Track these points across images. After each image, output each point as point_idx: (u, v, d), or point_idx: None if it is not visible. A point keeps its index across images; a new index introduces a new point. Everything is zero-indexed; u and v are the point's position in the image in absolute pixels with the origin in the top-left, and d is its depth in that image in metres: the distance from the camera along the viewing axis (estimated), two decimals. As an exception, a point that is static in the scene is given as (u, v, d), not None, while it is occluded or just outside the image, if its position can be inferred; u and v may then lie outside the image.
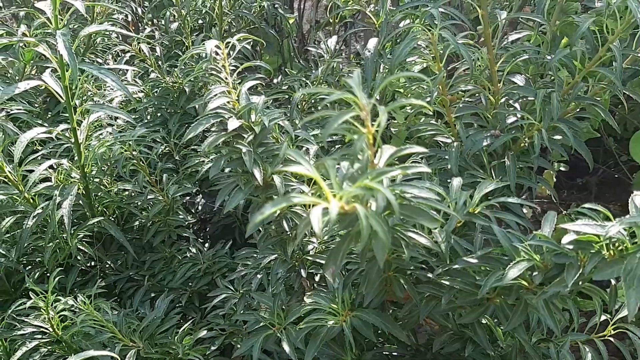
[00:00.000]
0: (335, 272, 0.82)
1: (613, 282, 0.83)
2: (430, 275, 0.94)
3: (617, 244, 0.74)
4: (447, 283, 0.89)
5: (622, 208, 2.35)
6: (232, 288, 1.37)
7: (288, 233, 1.13)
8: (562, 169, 1.92)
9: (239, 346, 1.22)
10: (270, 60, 2.53)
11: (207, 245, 1.70)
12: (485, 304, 0.90)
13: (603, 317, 1.09)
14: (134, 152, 1.48)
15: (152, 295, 1.57)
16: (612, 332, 1.09)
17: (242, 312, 1.31)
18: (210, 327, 1.37)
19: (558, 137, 1.19)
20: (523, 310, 0.87)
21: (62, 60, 1.20)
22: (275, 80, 2.23)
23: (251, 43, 2.36)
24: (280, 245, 1.15)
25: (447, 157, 1.12)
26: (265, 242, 1.14)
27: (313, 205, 0.60)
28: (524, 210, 2.14)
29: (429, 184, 0.80)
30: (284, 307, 1.17)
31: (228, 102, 1.14)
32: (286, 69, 2.20)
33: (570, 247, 0.76)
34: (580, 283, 0.77)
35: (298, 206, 1.17)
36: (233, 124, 1.10)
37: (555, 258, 0.79)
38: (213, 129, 1.16)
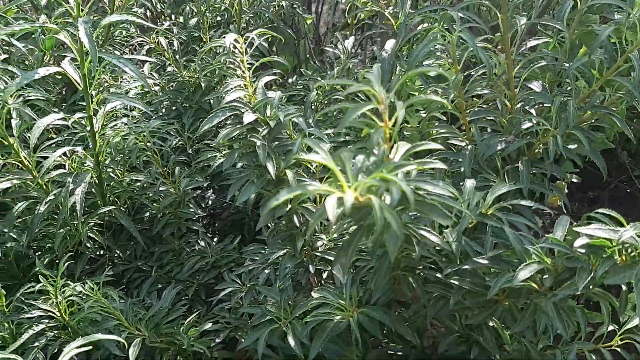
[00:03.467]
0: (346, 267, 0.82)
1: (624, 287, 0.82)
2: (439, 275, 0.94)
3: (629, 250, 0.74)
4: (457, 283, 0.88)
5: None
6: (239, 282, 1.37)
7: (298, 228, 1.14)
8: (574, 180, 1.90)
9: (243, 340, 1.23)
10: (287, 60, 2.54)
11: (215, 239, 1.71)
12: (494, 305, 0.90)
13: (611, 327, 1.09)
14: (148, 144, 1.49)
15: (159, 286, 1.57)
16: (620, 343, 1.08)
17: (248, 305, 1.31)
18: (215, 320, 1.38)
19: (573, 146, 1.19)
20: (531, 313, 0.87)
21: (82, 48, 1.21)
22: (290, 80, 2.24)
23: (269, 39, 2.38)
24: (290, 240, 1.16)
25: (460, 159, 1.12)
26: (275, 237, 1.14)
27: (327, 196, 0.61)
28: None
29: (443, 183, 0.81)
30: (290, 302, 1.17)
31: (245, 96, 1.14)
32: (301, 70, 2.20)
33: (583, 250, 0.76)
34: (591, 287, 0.76)
35: (309, 204, 1.17)
36: (249, 117, 1.10)
37: (566, 262, 0.79)
38: (228, 122, 1.17)
